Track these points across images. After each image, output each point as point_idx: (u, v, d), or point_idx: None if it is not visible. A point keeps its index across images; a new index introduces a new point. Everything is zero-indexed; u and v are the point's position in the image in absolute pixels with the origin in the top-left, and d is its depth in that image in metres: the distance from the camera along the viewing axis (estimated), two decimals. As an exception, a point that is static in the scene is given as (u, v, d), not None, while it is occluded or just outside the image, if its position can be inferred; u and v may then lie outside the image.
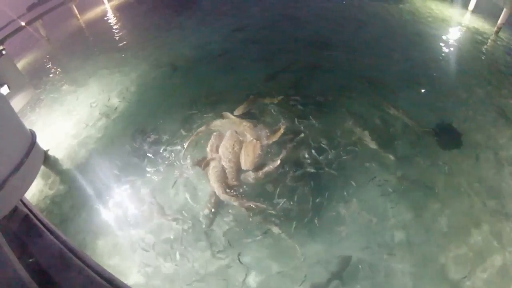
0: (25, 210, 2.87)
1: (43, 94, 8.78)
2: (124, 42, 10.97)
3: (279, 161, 5.37)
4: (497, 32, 9.35)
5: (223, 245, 4.80)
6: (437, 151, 5.89)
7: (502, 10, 8.95)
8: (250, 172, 5.39)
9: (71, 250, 2.31)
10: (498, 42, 9.18)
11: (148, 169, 5.96)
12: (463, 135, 6.12)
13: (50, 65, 10.56)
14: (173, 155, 6.10)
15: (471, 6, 10.61)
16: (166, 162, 6.00)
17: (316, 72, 7.89)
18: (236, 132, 6.02)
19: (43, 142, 6.22)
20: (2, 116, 3.75)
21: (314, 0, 12.16)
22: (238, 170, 5.49)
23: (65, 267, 2.19)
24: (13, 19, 10.68)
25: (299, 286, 4.25)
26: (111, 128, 7.15)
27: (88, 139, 6.96)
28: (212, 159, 5.64)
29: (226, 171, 5.45)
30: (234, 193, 5.20)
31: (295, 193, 5.21)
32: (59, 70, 10.09)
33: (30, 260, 2.26)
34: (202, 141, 6.24)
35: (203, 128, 6.39)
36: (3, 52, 5.69)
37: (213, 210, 5.14)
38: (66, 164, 6.49)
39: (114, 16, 13.55)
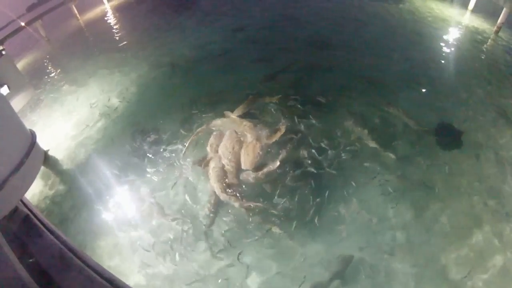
0: (25, 210, 2.87)
1: (43, 94, 8.79)
2: (124, 42, 10.97)
3: (278, 162, 5.36)
4: (497, 32, 9.35)
5: (223, 245, 4.79)
6: (437, 151, 5.89)
7: (502, 9, 8.95)
8: (250, 172, 5.39)
9: (71, 250, 2.31)
10: (498, 42, 9.18)
11: (148, 169, 5.96)
12: (463, 135, 6.12)
13: (50, 65, 10.56)
14: (173, 155, 6.10)
15: (471, 5, 10.62)
16: (166, 162, 6.00)
17: (316, 72, 7.89)
18: (236, 132, 6.01)
19: (43, 142, 6.21)
20: (2, 116, 3.75)
21: (314, 0, 12.16)
22: (238, 170, 5.49)
23: (65, 267, 2.19)
24: (13, 20, 10.69)
25: (299, 286, 4.24)
26: (111, 128, 7.15)
27: (88, 139, 6.96)
28: (212, 158, 5.63)
29: (226, 170, 5.44)
30: (234, 193, 5.20)
31: (295, 193, 5.21)
32: (59, 70, 10.09)
33: (30, 260, 2.26)
34: (202, 141, 6.24)
35: (203, 127, 6.39)
36: (3, 52, 5.69)
37: (213, 210, 5.14)
38: (66, 164, 6.49)
39: (114, 16, 13.55)
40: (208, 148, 5.90)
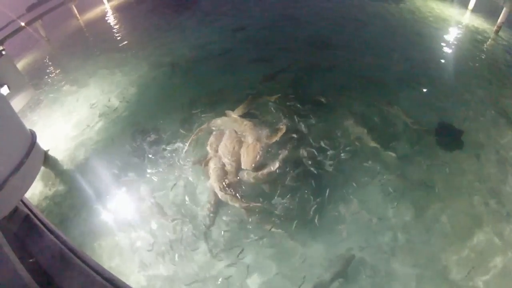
0: (26, 210, 2.87)
1: (43, 95, 8.79)
2: (124, 42, 10.97)
3: (278, 164, 5.34)
4: (497, 31, 9.35)
5: (223, 245, 4.79)
6: (437, 150, 5.89)
7: (502, 9, 8.95)
8: (250, 171, 5.38)
9: (71, 250, 2.31)
10: (498, 41, 9.18)
11: (148, 169, 5.96)
12: (464, 135, 6.12)
13: (50, 66, 10.56)
14: (173, 155, 6.10)
15: (471, 5, 10.61)
16: (166, 162, 6.00)
17: (316, 72, 7.89)
18: (236, 132, 6.00)
19: (43, 142, 6.21)
20: (2, 116, 3.75)
21: (314, 0, 12.16)
22: (238, 169, 5.48)
23: (65, 267, 2.19)
24: (13, 20, 10.68)
25: (299, 287, 4.24)
26: (111, 128, 7.15)
27: (88, 139, 6.96)
28: (212, 158, 5.63)
29: (227, 169, 5.44)
30: (234, 193, 5.19)
31: (295, 193, 5.21)
32: (59, 70, 10.09)
33: (31, 260, 2.26)
34: (202, 140, 6.23)
35: (204, 126, 6.39)
36: (3, 52, 5.68)
37: (213, 210, 5.13)
38: (66, 165, 6.49)
39: (114, 16, 13.55)
40: (208, 148, 5.90)
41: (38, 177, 5.04)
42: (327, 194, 5.19)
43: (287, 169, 5.46)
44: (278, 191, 5.21)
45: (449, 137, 6.11)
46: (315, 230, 4.84)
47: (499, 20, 9.17)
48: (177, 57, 9.31)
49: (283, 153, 5.57)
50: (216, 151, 5.77)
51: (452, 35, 9.60)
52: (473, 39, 9.31)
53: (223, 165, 5.50)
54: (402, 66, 8.10)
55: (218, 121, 6.43)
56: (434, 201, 5.11)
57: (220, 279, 4.44)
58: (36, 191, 5.92)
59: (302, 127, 6.19)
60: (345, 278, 4.30)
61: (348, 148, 5.83)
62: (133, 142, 6.52)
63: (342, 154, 5.73)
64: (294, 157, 5.64)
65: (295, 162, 5.58)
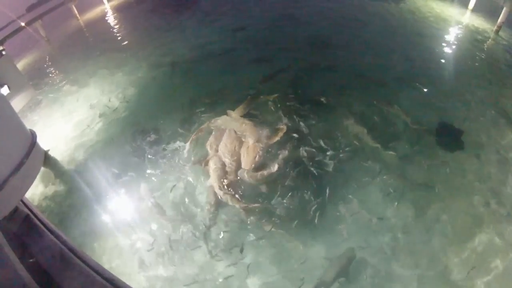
0: (26, 210, 2.87)
1: (43, 95, 8.79)
2: (124, 42, 10.98)
3: (277, 166, 5.31)
4: (497, 31, 9.35)
5: (223, 245, 4.79)
6: (437, 150, 5.89)
7: (502, 9, 8.95)
8: (250, 172, 5.37)
9: (72, 250, 2.31)
10: (498, 41, 9.18)
11: (148, 170, 5.96)
12: (464, 135, 6.11)
13: (50, 66, 10.57)
14: (173, 155, 6.10)
15: (471, 5, 10.61)
16: (166, 162, 6.00)
17: (316, 72, 7.89)
18: (235, 131, 6.00)
19: (43, 142, 6.21)
20: (2, 116, 3.75)
21: (314, 0, 12.16)
22: (238, 169, 5.48)
23: (65, 267, 2.19)
24: (13, 20, 10.68)
25: (299, 287, 4.24)
26: (111, 128, 7.15)
27: (88, 139, 6.96)
28: (212, 158, 5.63)
29: (227, 169, 5.44)
30: (233, 193, 5.19)
31: (295, 193, 5.20)
32: (59, 70, 10.09)
33: (31, 260, 2.26)
34: (202, 140, 6.23)
35: (204, 126, 6.39)
36: (3, 52, 5.67)
37: (212, 210, 5.13)
38: (66, 165, 6.49)
39: (114, 16, 13.55)
40: (208, 148, 5.89)
41: (38, 177, 5.04)
42: (327, 194, 5.19)
43: (287, 169, 5.46)
44: (278, 191, 5.20)
45: (449, 137, 6.11)
46: (315, 230, 4.84)
47: (499, 20, 9.17)
48: (177, 57, 9.32)
49: (283, 154, 5.56)
50: (216, 151, 5.77)
51: (452, 35, 9.60)
52: (473, 39, 9.31)
53: (223, 165, 5.50)
54: (402, 66, 8.10)
55: (218, 120, 6.42)
56: (434, 201, 5.11)
57: (220, 280, 4.44)
58: (36, 191, 5.92)
59: (302, 127, 6.19)
60: (347, 277, 4.29)
61: (348, 148, 5.83)
62: (133, 142, 6.52)
63: (342, 154, 5.73)
64: (294, 157, 5.63)
65: (295, 162, 5.58)
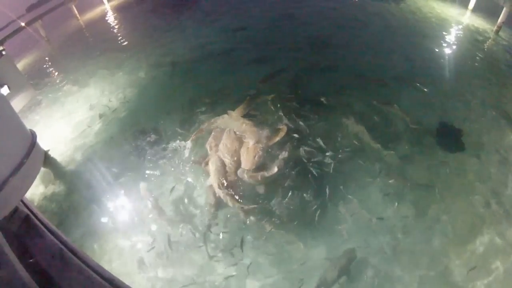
0: (26, 210, 2.86)
1: (43, 95, 8.79)
2: (124, 43, 10.98)
3: (276, 168, 5.28)
4: (497, 31, 9.35)
5: (222, 246, 4.79)
6: (437, 150, 5.88)
7: (502, 9, 8.95)
8: (250, 172, 5.36)
9: (72, 250, 2.30)
10: (498, 41, 9.18)
11: (148, 170, 5.96)
12: (464, 135, 6.11)
13: (50, 66, 10.57)
14: (173, 155, 6.10)
15: (471, 5, 10.62)
16: (166, 163, 5.99)
17: (316, 72, 7.89)
18: (235, 132, 5.99)
19: (43, 142, 6.21)
20: (2, 117, 3.74)
21: (314, 0, 12.16)
22: (238, 169, 5.47)
23: (65, 267, 2.18)
24: (13, 20, 10.69)
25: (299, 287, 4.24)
26: (111, 128, 7.14)
27: (88, 139, 6.96)
28: (212, 157, 5.62)
29: (227, 169, 5.43)
30: (233, 193, 5.18)
31: (295, 193, 5.19)
32: (59, 70, 10.09)
33: (31, 260, 2.26)
34: (203, 140, 6.23)
35: (204, 126, 6.39)
36: (3, 52, 5.67)
37: (213, 211, 5.12)
38: (66, 165, 6.48)
39: (114, 17, 13.56)
40: (208, 147, 5.89)
41: (38, 177, 5.04)
42: (327, 194, 5.19)
43: (287, 170, 5.45)
44: (278, 192, 5.20)
45: (450, 137, 6.11)
46: (315, 230, 4.83)
47: (499, 20, 9.17)
48: (177, 57, 9.32)
49: (283, 154, 5.54)
50: (216, 151, 5.76)
51: (452, 35, 9.60)
52: (473, 39, 9.31)
53: (223, 164, 5.49)
54: (403, 66, 8.11)
55: (218, 120, 6.42)
56: (434, 201, 5.11)
57: (219, 280, 4.43)
58: (36, 192, 5.92)
59: (302, 127, 6.19)
60: (348, 276, 4.29)
61: (348, 148, 5.83)
62: (133, 142, 6.52)
63: (342, 154, 5.73)
64: (294, 157, 5.63)
65: (295, 162, 5.58)
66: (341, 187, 5.31)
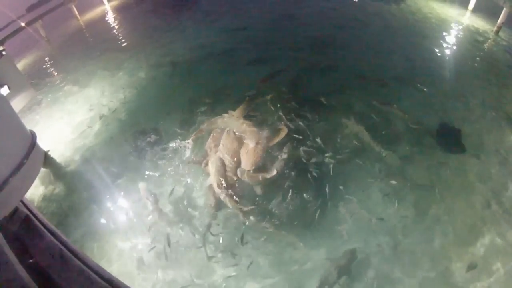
0: (26, 211, 2.86)
1: (43, 95, 8.78)
2: (124, 43, 10.98)
3: (277, 167, 5.28)
4: (497, 32, 9.35)
5: (222, 247, 4.78)
6: (437, 151, 5.88)
7: (502, 9, 8.95)
8: (250, 173, 5.36)
9: (71, 250, 2.30)
10: (498, 42, 9.19)
11: (147, 171, 5.95)
12: (464, 135, 6.11)
13: (50, 66, 10.56)
14: (173, 155, 6.09)
15: (471, 5, 10.63)
16: (166, 163, 5.99)
17: (316, 72, 7.89)
18: (235, 132, 5.98)
19: (43, 143, 6.21)
20: (2, 117, 3.74)
21: (314, 0, 12.16)
22: (238, 169, 5.46)
23: (65, 268, 2.18)
24: (13, 20, 10.68)
25: None
26: (111, 128, 7.14)
27: (88, 140, 6.96)
28: (212, 158, 5.62)
29: (227, 169, 5.42)
30: (233, 193, 5.17)
31: (295, 194, 5.19)
32: (59, 70, 10.08)
33: (30, 260, 2.26)
34: (203, 140, 6.22)
35: (204, 126, 6.38)
36: (3, 52, 5.67)
37: (212, 212, 5.12)
38: (66, 165, 6.48)
39: (114, 17, 13.56)
40: (207, 148, 5.88)
41: (38, 177, 5.04)
42: (327, 194, 5.19)
43: (287, 170, 5.45)
44: (278, 192, 5.19)
45: (450, 137, 6.11)
46: (315, 230, 4.83)
47: (499, 21, 9.18)
48: (177, 57, 9.31)
49: (283, 155, 5.54)
50: (216, 151, 5.75)
51: (452, 35, 9.60)
52: (473, 39, 9.32)
53: (223, 164, 5.49)
54: (403, 66, 8.11)
55: (218, 120, 6.42)
56: (434, 201, 5.10)
57: (219, 281, 4.43)
58: (36, 192, 5.92)
59: (302, 127, 6.18)
60: (349, 276, 4.28)
61: (348, 149, 5.83)
62: (133, 143, 6.52)
63: (342, 155, 5.73)
64: (294, 158, 5.63)
65: (295, 163, 5.57)
66: (341, 187, 5.31)
